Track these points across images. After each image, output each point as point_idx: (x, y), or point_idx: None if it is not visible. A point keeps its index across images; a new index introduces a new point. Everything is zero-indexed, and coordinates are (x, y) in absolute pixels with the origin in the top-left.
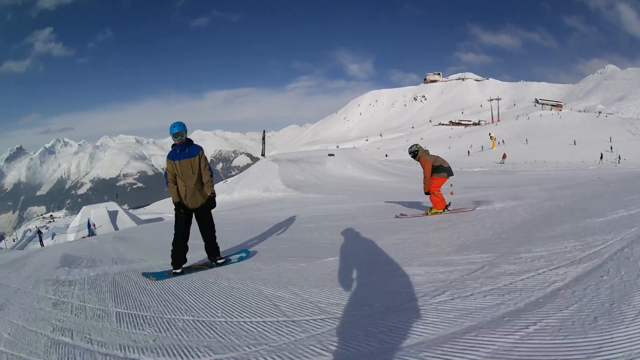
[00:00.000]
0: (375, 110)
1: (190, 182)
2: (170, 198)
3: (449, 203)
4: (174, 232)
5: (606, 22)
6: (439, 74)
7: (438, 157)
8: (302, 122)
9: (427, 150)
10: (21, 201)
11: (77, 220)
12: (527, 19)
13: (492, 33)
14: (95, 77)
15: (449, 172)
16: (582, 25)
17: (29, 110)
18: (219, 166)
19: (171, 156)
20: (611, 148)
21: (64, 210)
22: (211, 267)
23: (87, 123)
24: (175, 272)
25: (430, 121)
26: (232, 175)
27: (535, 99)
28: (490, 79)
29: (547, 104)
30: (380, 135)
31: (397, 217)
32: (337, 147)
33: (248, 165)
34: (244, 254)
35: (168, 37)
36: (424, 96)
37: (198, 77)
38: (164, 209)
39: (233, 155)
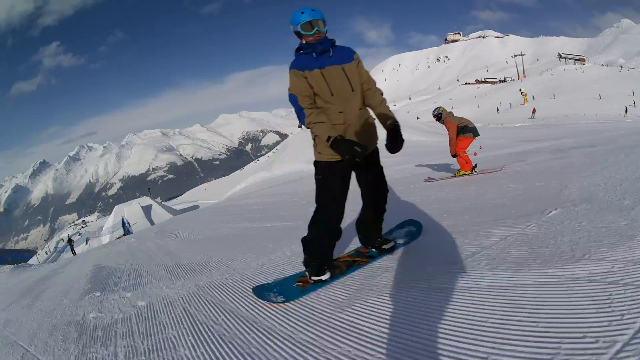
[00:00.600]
0: (400, 75)
1: (351, 106)
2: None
3: (476, 165)
4: (317, 205)
5: None
6: (459, 33)
7: (463, 118)
8: None
9: (450, 112)
10: (51, 213)
11: (111, 220)
12: None
13: None
14: (110, 79)
15: (474, 132)
16: None
17: (47, 125)
18: (248, 147)
19: (301, 64)
20: (634, 102)
21: (96, 214)
22: (372, 258)
23: (109, 125)
24: (319, 279)
25: (457, 80)
26: (262, 155)
27: (559, 53)
28: (511, 35)
29: (570, 58)
30: (409, 98)
31: (425, 180)
32: None
33: (277, 143)
34: (413, 228)
35: (180, 28)
36: (446, 56)
37: (216, 63)
38: (197, 196)
39: (261, 134)
